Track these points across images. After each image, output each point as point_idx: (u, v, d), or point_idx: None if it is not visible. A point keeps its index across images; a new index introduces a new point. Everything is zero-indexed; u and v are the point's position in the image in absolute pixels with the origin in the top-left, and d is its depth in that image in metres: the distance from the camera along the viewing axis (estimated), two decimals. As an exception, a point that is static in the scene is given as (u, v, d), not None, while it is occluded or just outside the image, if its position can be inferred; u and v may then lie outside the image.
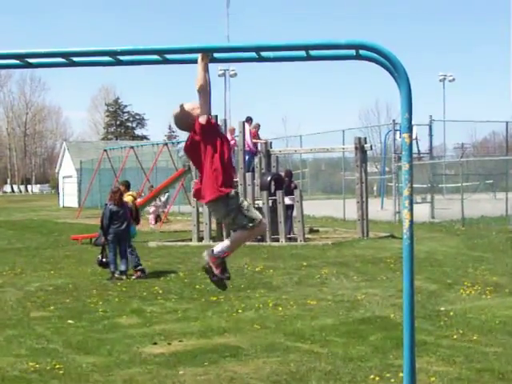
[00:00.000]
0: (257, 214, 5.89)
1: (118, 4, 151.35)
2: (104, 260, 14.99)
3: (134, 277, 14.74)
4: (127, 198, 15.87)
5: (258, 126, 25.47)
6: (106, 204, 15.23)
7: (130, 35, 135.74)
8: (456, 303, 11.17)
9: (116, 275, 14.58)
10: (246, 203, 5.88)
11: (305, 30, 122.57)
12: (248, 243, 20.74)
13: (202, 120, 5.69)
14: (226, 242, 5.98)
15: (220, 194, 5.75)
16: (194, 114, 5.79)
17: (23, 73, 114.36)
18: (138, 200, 32.91)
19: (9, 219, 39.38)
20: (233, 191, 5.81)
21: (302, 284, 13.47)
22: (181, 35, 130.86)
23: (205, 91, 5.68)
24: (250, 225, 5.82)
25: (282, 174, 24.18)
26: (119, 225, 14.83)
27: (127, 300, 12.17)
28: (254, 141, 24.23)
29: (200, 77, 5.58)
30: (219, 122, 22.12)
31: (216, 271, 5.88)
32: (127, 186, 16.81)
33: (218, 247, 5.93)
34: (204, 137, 5.73)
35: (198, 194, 5.95)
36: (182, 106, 5.92)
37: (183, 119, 5.90)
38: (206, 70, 5.62)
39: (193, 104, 5.85)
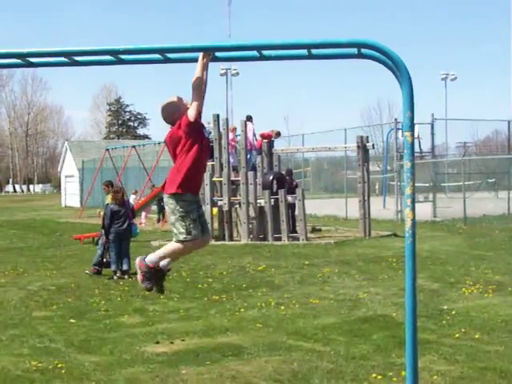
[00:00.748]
0: (197, 231, 5.89)
1: (119, 3, 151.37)
2: (105, 260, 15.01)
3: (87, 272, 15.12)
4: (110, 197, 15.74)
5: (278, 134, 25.01)
6: (108, 203, 15.25)
7: (130, 34, 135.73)
8: (458, 302, 11.16)
9: (118, 275, 14.60)
10: (194, 216, 5.86)
11: (306, 29, 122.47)
12: (250, 242, 20.76)
13: (191, 116, 5.70)
14: (158, 252, 6.03)
15: (176, 192, 5.79)
16: (184, 108, 5.79)
17: (25, 72, 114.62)
18: (132, 200, 33.04)
19: (11, 219, 39.40)
20: (189, 195, 5.82)
21: (304, 283, 13.46)
22: (182, 34, 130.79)
23: (199, 88, 5.68)
24: (182, 237, 5.85)
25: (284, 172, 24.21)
26: (120, 224, 14.86)
27: (129, 299, 12.17)
28: (265, 140, 23.84)
29: (197, 73, 5.59)
30: (221, 121, 22.14)
31: (139, 276, 5.97)
32: (110, 185, 16.68)
33: (151, 256, 6.00)
34: (187, 133, 5.74)
35: (164, 185, 6.03)
36: (179, 98, 5.94)
37: (171, 111, 5.92)
38: (204, 68, 5.63)
39: (187, 100, 5.86)
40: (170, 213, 5.93)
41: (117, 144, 57.18)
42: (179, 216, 5.83)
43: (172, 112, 5.92)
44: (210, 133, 24.27)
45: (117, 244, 14.82)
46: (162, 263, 6.09)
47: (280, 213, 21.41)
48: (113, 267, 14.71)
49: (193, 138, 5.75)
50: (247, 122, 22.78)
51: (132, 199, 36.55)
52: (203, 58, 5.56)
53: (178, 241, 5.90)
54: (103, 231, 15.16)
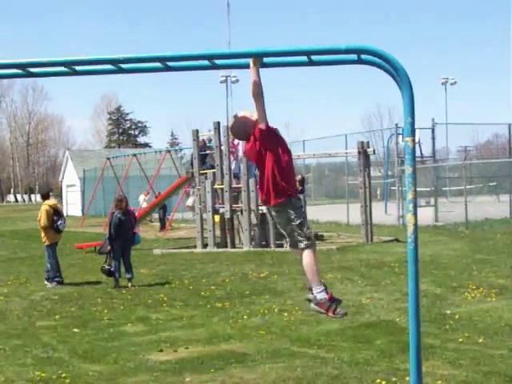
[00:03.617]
0: (312, 234, 5.85)
1: (118, 12, 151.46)
2: (112, 269, 14.86)
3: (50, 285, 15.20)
4: (43, 206, 15.62)
5: None
6: (113, 212, 15.21)
7: (130, 43, 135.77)
8: (461, 306, 11.15)
9: (118, 285, 14.57)
10: (305, 220, 5.82)
11: (305, 36, 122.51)
12: (252, 249, 20.74)
13: (262, 125, 5.65)
14: (312, 280, 5.94)
15: (283, 200, 5.73)
16: (252, 120, 5.75)
17: (25, 82, 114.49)
18: (141, 200, 33.06)
19: (13, 228, 39.41)
20: (294, 200, 5.77)
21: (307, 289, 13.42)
22: (182, 42, 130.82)
23: (258, 96, 5.61)
24: (304, 244, 5.78)
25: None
26: (126, 233, 14.87)
27: (132, 308, 12.17)
28: None
29: (252, 83, 5.55)
30: (222, 129, 22.18)
31: (330, 314, 5.91)
32: (44, 194, 16.57)
33: (314, 290, 5.93)
34: (263, 142, 5.70)
35: (262, 199, 5.89)
36: (236, 116, 5.91)
37: (241, 128, 5.86)
38: (258, 74, 5.56)
39: (246, 112, 5.83)
40: (284, 223, 5.85)
41: (117, 153, 57.23)
42: (297, 224, 5.78)
43: (243, 128, 5.85)
44: (211, 140, 24.34)
45: (120, 253, 14.81)
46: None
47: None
48: (116, 276, 14.67)
49: (271, 145, 5.70)
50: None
51: (141, 199, 36.67)
52: (254, 65, 5.49)
53: (302, 249, 5.83)
54: (108, 240, 15.10)
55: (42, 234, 15.51)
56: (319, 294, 5.85)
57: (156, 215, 36.57)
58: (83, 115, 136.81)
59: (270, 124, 5.71)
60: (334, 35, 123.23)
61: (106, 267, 14.87)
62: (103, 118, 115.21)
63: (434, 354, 8.26)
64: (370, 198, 23.12)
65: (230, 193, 21.66)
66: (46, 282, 15.28)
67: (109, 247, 14.98)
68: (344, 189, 36.27)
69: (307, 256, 5.83)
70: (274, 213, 5.91)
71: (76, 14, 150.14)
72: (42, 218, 15.32)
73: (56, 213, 15.55)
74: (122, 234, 14.85)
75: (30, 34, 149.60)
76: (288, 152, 5.81)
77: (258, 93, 5.58)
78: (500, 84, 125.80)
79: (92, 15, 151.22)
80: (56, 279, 15.28)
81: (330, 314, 5.86)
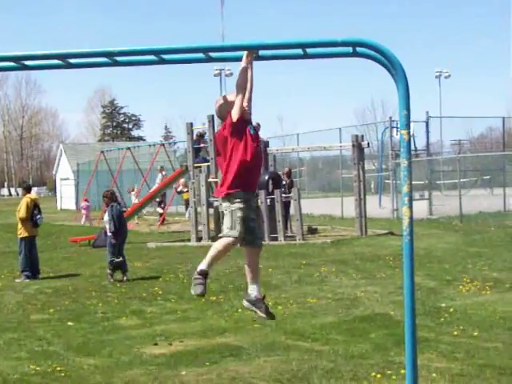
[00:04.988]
0: (241, 229, 5.71)
1: (112, 5, 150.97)
2: (116, 260, 14.69)
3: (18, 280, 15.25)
4: (24, 199, 15.88)
5: (258, 126, 25.36)
6: (113, 205, 15.04)
7: (124, 36, 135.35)
8: (456, 299, 11.17)
9: (112, 279, 14.49)
10: (241, 214, 5.70)
11: (299, 28, 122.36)
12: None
13: (233, 116, 5.64)
14: (206, 258, 5.81)
15: (227, 192, 5.71)
16: (230, 107, 5.73)
17: (19, 75, 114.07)
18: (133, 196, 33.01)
19: (6, 222, 39.24)
20: (240, 194, 5.69)
21: (302, 282, 13.46)
22: (176, 35, 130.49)
23: (239, 88, 5.63)
24: (226, 231, 5.73)
25: (282, 172, 24.60)
26: (125, 225, 14.99)
27: (127, 301, 12.17)
28: None
29: (240, 73, 5.58)
30: (216, 122, 22.12)
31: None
32: (26, 188, 16.87)
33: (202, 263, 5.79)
34: (231, 133, 5.68)
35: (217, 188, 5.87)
36: (224, 97, 5.90)
37: (222, 110, 5.87)
38: (246, 68, 5.57)
39: (233, 97, 5.80)
40: (225, 213, 5.81)
41: (111, 146, 57.09)
42: (228, 212, 5.73)
43: (223, 111, 5.85)
44: (205, 133, 24.32)
45: (118, 246, 14.79)
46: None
47: (276, 213, 21.41)
48: (110, 269, 14.60)
49: (237, 138, 5.68)
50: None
51: (132, 195, 36.58)
52: (247, 57, 5.52)
53: (222, 236, 5.77)
54: (110, 233, 14.97)
55: (19, 226, 15.72)
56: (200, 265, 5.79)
57: (145, 211, 36.42)
58: (77, 108, 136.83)
59: (255, 121, 5.71)
60: (326, 27, 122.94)
61: (116, 260, 14.67)
62: (97, 111, 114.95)
63: (429, 347, 8.27)
64: (364, 191, 23.12)
65: (224, 186, 21.62)
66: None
67: (113, 240, 14.82)
68: (338, 182, 36.24)
69: (222, 242, 5.76)
70: (224, 203, 5.86)
71: (70, 6, 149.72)
72: (22, 210, 15.49)
73: (36, 207, 15.69)
74: (124, 226, 14.97)
75: (24, 26, 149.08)
76: (253, 150, 5.72)
77: (242, 85, 5.62)
78: (494, 77, 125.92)
79: (84, 8, 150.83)
80: (25, 273, 15.30)
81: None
